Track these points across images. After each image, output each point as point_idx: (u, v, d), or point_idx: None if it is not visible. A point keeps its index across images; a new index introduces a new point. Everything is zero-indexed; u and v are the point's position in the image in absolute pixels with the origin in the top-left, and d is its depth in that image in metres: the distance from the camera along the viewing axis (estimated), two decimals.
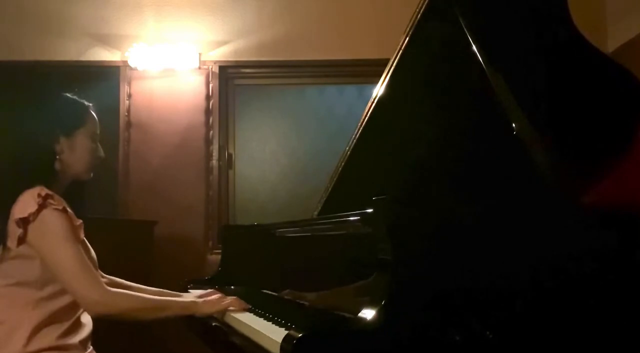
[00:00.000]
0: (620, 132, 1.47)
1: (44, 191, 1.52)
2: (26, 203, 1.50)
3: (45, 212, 1.50)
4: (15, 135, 1.66)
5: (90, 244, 1.69)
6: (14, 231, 1.51)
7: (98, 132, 1.73)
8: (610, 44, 3.54)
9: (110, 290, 1.55)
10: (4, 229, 1.53)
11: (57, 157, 1.62)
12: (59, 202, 1.53)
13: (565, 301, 1.24)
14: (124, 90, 3.63)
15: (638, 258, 1.31)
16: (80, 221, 1.60)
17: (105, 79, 3.63)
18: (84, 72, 3.65)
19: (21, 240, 1.50)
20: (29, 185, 1.53)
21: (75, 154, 1.65)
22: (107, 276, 1.83)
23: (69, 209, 1.55)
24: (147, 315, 1.60)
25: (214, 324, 1.75)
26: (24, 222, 1.49)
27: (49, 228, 1.51)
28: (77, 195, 1.68)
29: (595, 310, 1.26)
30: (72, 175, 1.67)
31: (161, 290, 1.90)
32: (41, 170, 1.60)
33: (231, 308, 1.70)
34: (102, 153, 1.73)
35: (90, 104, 1.73)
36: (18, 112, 1.71)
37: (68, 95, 1.72)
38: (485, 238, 1.23)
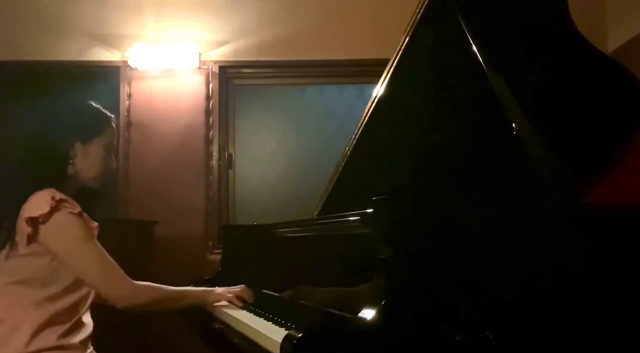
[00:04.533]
0: (620, 132, 1.47)
1: (58, 195, 1.53)
2: (37, 203, 1.52)
3: (60, 215, 1.52)
4: (33, 134, 1.68)
5: None
6: (23, 229, 1.52)
7: (114, 143, 1.77)
8: (610, 44, 3.54)
9: (136, 283, 1.62)
10: (12, 227, 1.54)
11: (70, 161, 1.64)
12: (73, 206, 1.55)
13: (565, 301, 1.24)
14: (124, 90, 3.63)
15: (637, 259, 1.31)
16: (96, 224, 1.64)
17: (105, 79, 3.63)
18: (84, 72, 3.65)
19: (31, 239, 1.52)
20: (41, 185, 1.55)
21: (88, 160, 1.67)
22: None
23: (84, 213, 1.58)
24: (168, 305, 1.72)
25: (214, 324, 1.75)
26: (34, 222, 1.51)
27: (68, 232, 1.53)
28: (86, 200, 1.69)
29: (594, 310, 1.26)
30: (81, 181, 1.69)
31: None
32: (53, 171, 1.62)
33: (242, 296, 1.78)
34: (113, 164, 1.75)
35: (112, 116, 1.78)
36: (40, 111, 1.74)
37: (93, 103, 1.75)
38: (485, 238, 1.23)
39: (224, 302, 1.79)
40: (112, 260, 1.60)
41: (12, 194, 1.58)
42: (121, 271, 1.60)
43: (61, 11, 3.64)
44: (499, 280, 1.21)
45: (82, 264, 1.55)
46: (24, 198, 1.54)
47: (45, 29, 3.64)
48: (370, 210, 1.23)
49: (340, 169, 2.14)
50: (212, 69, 3.67)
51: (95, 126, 1.70)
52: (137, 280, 1.92)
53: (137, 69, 3.59)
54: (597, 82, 1.53)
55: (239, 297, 1.77)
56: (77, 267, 1.55)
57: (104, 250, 1.60)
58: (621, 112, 1.50)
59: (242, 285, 1.82)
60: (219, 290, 1.81)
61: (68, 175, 1.64)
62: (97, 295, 1.66)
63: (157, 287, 1.69)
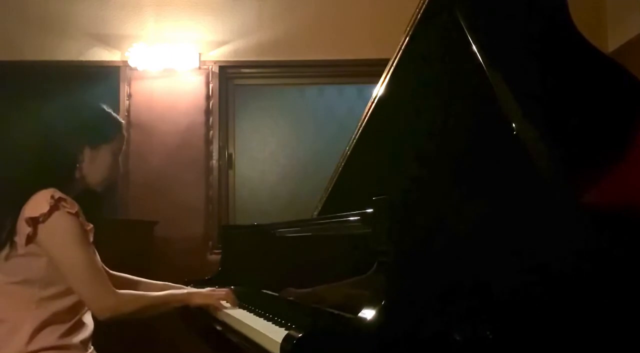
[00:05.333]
0: (620, 132, 1.47)
1: (57, 194, 1.53)
2: (38, 203, 1.51)
3: (57, 214, 1.51)
4: (43, 136, 1.66)
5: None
6: (23, 229, 1.51)
7: (122, 149, 1.75)
8: (611, 44, 3.55)
9: (119, 294, 1.57)
10: (13, 227, 1.54)
11: (78, 165, 1.64)
12: (72, 205, 1.54)
13: (565, 301, 1.24)
14: (124, 90, 3.63)
15: (637, 258, 1.31)
16: (91, 226, 1.62)
17: (105, 79, 3.63)
18: (84, 72, 3.65)
19: (30, 239, 1.51)
20: (47, 187, 1.54)
21: (95, 165, 1.66)
22: (112, 272, 1.84)
23: (81, 213, 1.56)
24: (150, 312, 1.66)
25: (214, 324, 1.76)
26: (34, 222, 1.50)
27: (61, 231, 1.52)
28: (89, 202, 1.67)
29: (594, 310, 1.26)
30: (86, 185, 1.68)
31: (166, 283, 1.94)
32: (60, 174, 1.61)
33: (224, 302, 1.75)
34: (120, 169, 1.74)
35: (123, 122, 1.76)
36: (48, 112, 1.71)
37: (105, 107, 1.73)
38: (485, 238, 1.23)
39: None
40: (100, 269, 1.58)
41: (16, 195, 1.57)
42: (107, 281, 1.57)
43: (61, 11, 3.64)
44: (499, 279, 1.21)
45: (68, 267, 1.52)
46: (27, 199, 1.53)
47: (45, 29, 3.64)
48: (370, 210, 1.23)
49: (340, 169, 2.14)
50: (212, 69, 3.67)
51: (106, 132, 1.69)
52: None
53: (137, 69, 3.59)
54: (597, 82, 1.53)
55: (222, 301, 1.76)
56: (63, 269, 1.52)
57: (94, 257, 1.57)
58: (621, 111, 1.50)
59: (227, 289, 1.81)
60: (204, 291, 1.80)
61: (75, 178, 1.64)
62: None
63: (139, 296, 1.66)
